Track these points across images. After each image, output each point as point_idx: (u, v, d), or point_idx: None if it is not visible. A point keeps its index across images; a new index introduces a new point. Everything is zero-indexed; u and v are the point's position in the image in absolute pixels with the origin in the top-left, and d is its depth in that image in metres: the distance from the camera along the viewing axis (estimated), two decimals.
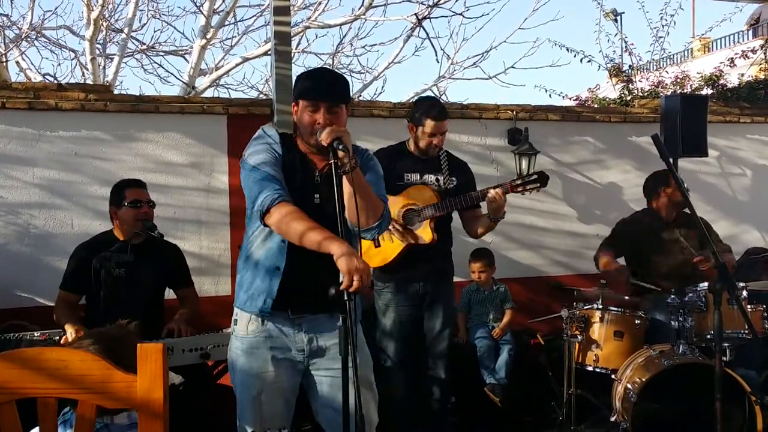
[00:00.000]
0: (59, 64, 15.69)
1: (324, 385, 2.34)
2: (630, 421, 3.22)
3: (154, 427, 1.42)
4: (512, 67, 8.82)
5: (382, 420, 2.49)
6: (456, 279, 3.72)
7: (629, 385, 3.35)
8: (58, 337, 3.13)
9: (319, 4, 8.26)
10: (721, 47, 17.75)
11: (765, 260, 4.81)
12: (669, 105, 4.92)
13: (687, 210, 4.06)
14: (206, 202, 4.43)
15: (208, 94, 8.18)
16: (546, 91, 7.03)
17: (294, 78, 3.09)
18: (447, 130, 3.50)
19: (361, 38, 10.54)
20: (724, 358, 3.19)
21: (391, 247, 3.38)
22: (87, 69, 7.95)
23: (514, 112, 5.01)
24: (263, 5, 8.27)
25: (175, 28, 21.06)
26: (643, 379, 3.26)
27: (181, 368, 3.15)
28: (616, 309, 3.72)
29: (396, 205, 3.34)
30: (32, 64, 8.96)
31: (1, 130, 4.11)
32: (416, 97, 3.67)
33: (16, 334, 3.18)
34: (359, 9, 8.02)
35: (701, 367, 3.20)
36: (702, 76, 6.29)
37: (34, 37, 8.39)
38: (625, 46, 6.87)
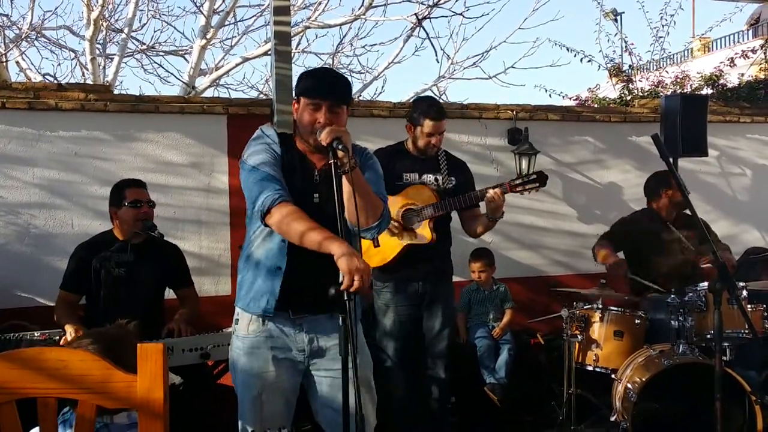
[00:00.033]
0: (59, 64, 15.71)
1: (324, 385, 2.34)
2: (630, 420, 3.22)
3: (154, 427, 1.42)
4: (512, 67, 8.83)
5: (381, 420, 2.49)
6: (456, 279, 3.72)
7: (629, 385, 3.35)
8: (58, 337, 3.13)
9: (319, 4, 8.27)
10: (721, 47, 17.74)
11: (765, 260, 4.82)
12: (669, 105, 4.92)
13: (687, 211, 4.09)
14: (206, 202, 4.44)
15: (208, 94, 8.19)
16: (546, 90, 7.05)
17: (294, 78, 3.11)
18: (445, 130, 3.50)
19: (361, 38, 10.56)
20: (724, 358, 3.19)
21: (390, 246, 3.38)
22: (87, 69, 7.95)
23: (514, 112, 5.01)
24: (263, 5, 8.28)
25: (175, 28, 21.09)
26: (643, 379, 3.26)
27: (181, 368, 3.15)
28: (616, 309, 3.73)
29: (395, 205, 3.34)
30: (32, 64, 8.98)
31: (1, 130, 4.11)
32: (415, 97, 3.67)
33: (16, 334, 3.19)
34: (359, 9, 8.03)
35: (701, 367, 3.20)
36: (702, 76, 6.29)
37: (34, 37, 8.39)
38: (625, 46, 6.88)
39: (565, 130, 5.19)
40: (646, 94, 6.14)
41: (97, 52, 7.88)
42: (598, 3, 6.83)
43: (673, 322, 3.46)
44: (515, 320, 4.26)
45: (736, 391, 3.13)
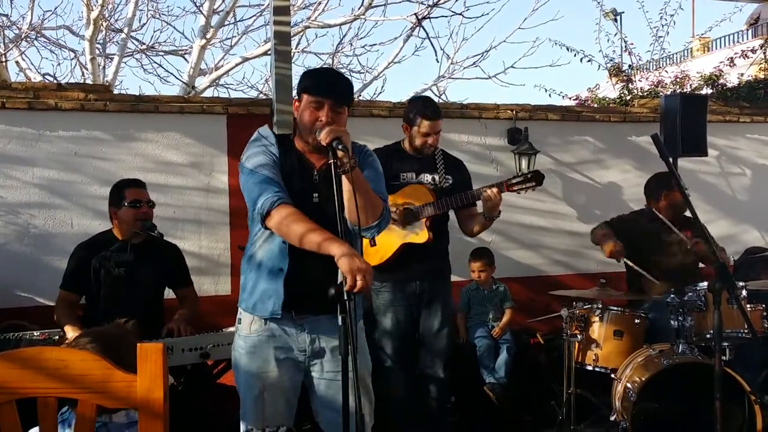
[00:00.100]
0: (59, 64, 15.72)
1: (324, 385, 2.34)
2: (630, 420, 3.22)
3: (154, 426, 1.42)
4: (512, 66, 8.82)
5: (381, 420, 2.49)
6: (456, 278, 3.72)
7: (629, 385, 3.35)
8: (57, 337, 3.13)
9: (319, 3, 8.27)
10: (720, 47, 17.75)
11: (764, 259, 4.82)
12: (669, 105, 4.92)
13: (686, 213, 4.09)
14: (206, 201, 4.44)
15: (208, 93, 8.19)
16: (546, 90, 7.04)
17: (294, 78, 3.11)
18: (441, 129, 3.50)
19: (361, 38, 10.53)
20: (724, 358, 3.19)
21: (387, 246, 3.38)
22: (87, 69, 7.95)
23: (514, 112, 5.01)
24: (263, 5, 8.28)
25: (174, 28, 21.05)
26: (643, 379, 3.26)
27: (181, 368, 3.15)
28: (615, 308, 3.73)
29: (392, 204, 3.34)
30: (32, 64, 8.97)
31: (0, 129, 4.11)
32: (410, 98, 3.67)
33: (15, 333, 3.19)
34: (359, 9, 8.03)
35: (701, 367, 3.20)
36: (702, 76, 6.30)
37: (33, 37, 8.39)
38: (625, 46, 6.88)
39: (565, 129, 5.19)
40: (645, 93, 6.14)
41: (97, 51, 7.88)
42: (598, 3, 6.84)
43: (672, 322, 3.46)
44: (515, 320, 4.27)
45: (735, 391, 3.14)
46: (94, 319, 3.18)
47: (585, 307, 3.74)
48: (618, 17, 8.90)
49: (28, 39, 8.34)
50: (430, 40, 8.05)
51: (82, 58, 8.32)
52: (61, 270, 3.49)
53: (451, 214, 3.57)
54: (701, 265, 4.20)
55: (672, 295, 3.50)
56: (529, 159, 4.84)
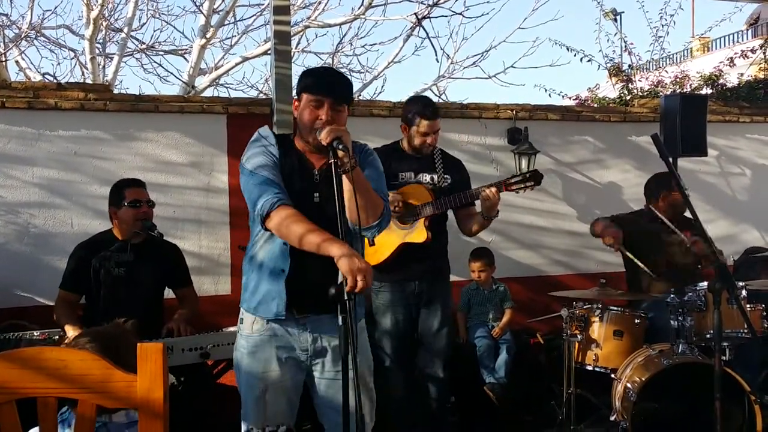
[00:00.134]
0: (59, 64, 15.71)
1: (325, 385, 2.34)
2: (630, 420, 3.22)
3: (155, 426, 1.42)
4: (512, 66, 8.82)
5: (381, 420, 2.49)
6: (456, 278, 3.72)
7: (629, 385, 3.35)
8: (57, 337, 3.13)
9: (319, 3, 8.27)
10: (720, 47, 17.75)
11: (764, 259, 4.82)
12: (668, 105, 4.92)
13: (685, 213, 4.10)
14: (206, 201, 4.44)
15: (208, 93, 8.19)
16: (546, 90, 7.04)
17: (294, 78, 3.10)
18: (440, 128, 3.50)
19: (361, 38, 10.55)
20: (724, 358, 3.19)
21: (386, 245, 3.38)
22: (86, 68, 7.95)
23: (514, 112, 5.01)
24: (263, 5, 8.27)
25: (174, 27, 21.01)
26: (643, 379, 3.26)
27: (181, 368, 3.15)
28: (615, 308, 3.73)
29: (392, 200, 3.34)
30: (32, 63, 8.98)
31: (0, 129, 4.11)
32: (408, 98, 3.66)
33: (15, 333, 3.19)
34: (359, 8, 8.02)
35: (701, 367, 3.20)
36: (701, 76, 6.30)
37: (33, 36, 8.39)
38: (625, 46, 6.88)
39: (565, 129, 5.19)
40: (645, 93, 6.14)
41: (97, 51, 7.88)
42: (598, 3, 6.84)
43: (672, 322, 3.46)
44: (515, 320, 4.27)
45: (735, 391, 3.13)
46: (94, 319, 3.17)
47: (585, 307, 3.74)
48: (618, 17, 8.90)
49: (28, 38, 8.34)
50: (430, 40, 8.06)
51: (82, 58, 8.32)
52: (60, 270, 3.49)
53: (450, 213, 3.57)
54: (700, 265, 4.19)
55: (672, 295, 3.50)
56: (529, 159, 4.84)
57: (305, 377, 2.38)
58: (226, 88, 9.12)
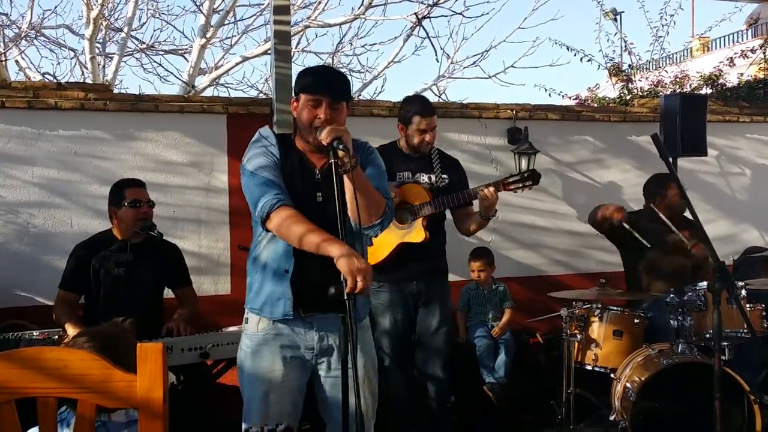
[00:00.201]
0: (59, 63, 15.73)
1: (330, 384, 2.33)
2: (629, 420, 3.22)
3: (154, 426, 1.42)
4: (512, 66, 8.81)
5: (381, 420, 2.49)
6: (456, 278, 3.72)
7: (628, 384, 3.35)
8: (57, 337, 3.13)
9: (319, 3, 8.26)
10: (720, 47, 17.74)
11: (764, 259, 4.82)
12: (668, 104, 4.92)
13: (684, 213, 4.10)
14: (206, 201, 4.44)
15: (208, 93, 8.19)
16: (546, 90, 7.02)
17: (293, 77, 3.10)
18: (437, 125, 3.50)
19: (361, 37, 10.53)
20: (723, 358, 3.19)
21: (384, 245, 3.37)
22: (86, 68, 7.95)
23: (514, 112, 5.01)
24: (263, 4, 8.27)
25: (174, 27, 21.00)
26: (642, 378, 3.26)
27: (180, 367, 3.15)
28: (615, 308, 3.73)
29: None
30: (32, 63, 8.98)
31: (0, 129, 4.11)
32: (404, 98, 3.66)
33: (15, 333, 3.19)
34: (359, 8, 8.02)
35: (700, 367, 3.20)
36: (701, 76, 6.30)
37: (33, 36, 8.38)
38: (625, 46, 6.88)
39: (565, 129, 5.19)
40: (645, 93, 6.14)
41: (97, 51, 7.88)
42: (598, 2, 6.83)
43: (672, 322, 3.46)
44: (514, 319, 4.27)
45: (735, 391, 3.14)
46: (94, 318, 3.17)
47: (585, 306, 3.74)
48: (618, 17, 8.90)
49: (28, 38, 8.34)
50: (430, 40, 8.06)
51: (81, 58, 8.32)
52: (60, 270, 3.49)
53: (448, 213, 3.57)
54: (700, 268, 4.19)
55: (671, 295, 3.50)
56: (529, 159, 4.84)
57: (310, 377, 2.38)
58: (226, 87, 9.13)
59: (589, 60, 6.50)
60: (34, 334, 3.17)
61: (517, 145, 4.90)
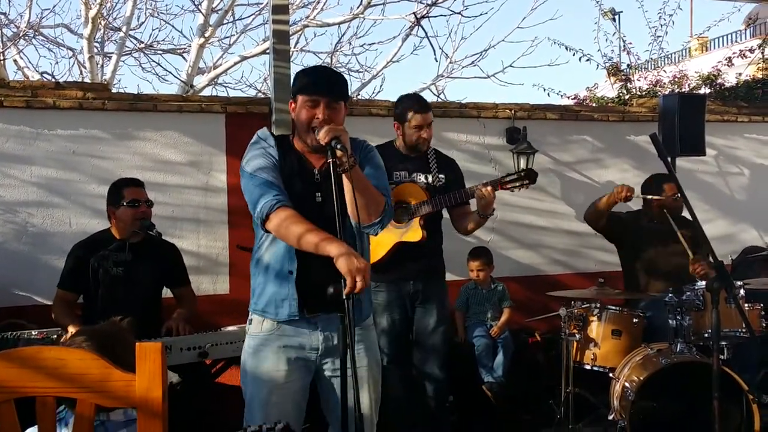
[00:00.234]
0: (57, 63, 15.72)
1: (337, 383, 2.33)
2: (628, 419, 3.23)
3: (154, 426, 1.41)
4: (510, 66, 8.82)
5: (380, 419, 2.49)
6: (454, 277, 3.73)
7: (627, 384, 3.35)
8: (55, 336, 3.13)
9: (318, 2, 8.26)
10: (718, 47, 17.76)
11: (762, 259, 4.82)
12: (667, 104, 4.92)
13: (682, 213, 4.10)
14: (204, 200, 4.43)
15: (207, 92, 8.19)
16: (544, 90, 7.01)
17: (292, 76, 3.10)
18: (432, 122, 3.50)
19: (360, 37, 10.50)
20: (722, 357, 3.20)
21: (381, 244, 3.37)
22: (85, 67, 7.94)
23: (513, 111, 5.02)
24: (262, 4, 8.27)
25: (173, 26, 21.02)
26: (641, 378, 3.26)
27: (179, 367, 3.15)
28: (614, 307, 3.73)
29: None
30: (30, 62, 8.93)
31: None
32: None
33: (13, 332, 3.19)
34: (358, 8, 8.02)
35: (699, 366, 3.21)
36: (700, 76, 6.29)
37: (31, 35, 8.36)
38: (624, 45, 6.87)
39: (564, 129, 5.19)
40: (644, 93, 6.14)
41: (95, 50, 7.87)
42: (597, 2, 6.82)
43: (670, 321, 3.46)
44: (513, 319, 4.27)
45: (733, 390, 3.14)
46: (92, 318, 3.17)
47: (583, 306, 3.74)
48: (617, 17, 8.89)
49: (26, 37, 8.32)
50: (428, 39, 8.05)
51: (80, 57, 8.31)
52: (59, 269, 3.49)
53: (445, 213, 3.57)
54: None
55: (670, 294, 3.51)
56: (527, 158, 4.84)
57: (314, 377, 2.37)
58: (225, 87, 9.12)
59: (587, 60, 6.51)
60: (33, 333, 3.17)
61: (515, 145, 4.90)
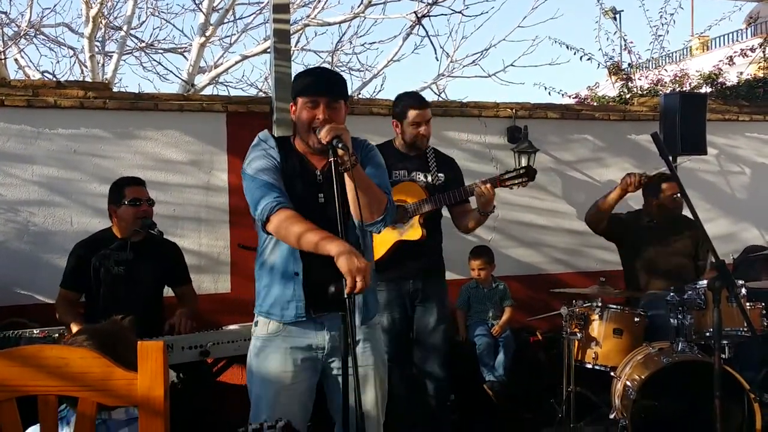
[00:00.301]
0: (58, 62, 15.74)
1: (341, 383, 2.32)
2: (629, 418, 3.23)
3: (155, 424, 1.42)
4: (512, 65, 8.81)
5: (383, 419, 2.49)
6: (456, 276, 3.72)
7: (628, 383, 3.35)
8: (57, 335, 3.13)
9: (319, 1, 8.26)
10: (719, 45, 17.75)
11: (764, 258, 4.82)
12: (668, 103, 4.92)
13: (683, 212, 4.10)
14: (206, 199, 4.43)
15: (208, 91, 8.18)
16: (545, 89, 7.03)
17: (293, 75, 3.10)
18: (431, 118, 3.49)
19: (361, 36, 10.54)
20: (723, 356, 3.20)
21: (381, 243, 3.37)
22: (86, 66, 7.94)
23: (514, 110, 5.01)
24: (263, 3, 8.27)
25: (174, 25, 21.07)
26: (643, 377, 3.26)
27: (180, 365, 3.15)
28: (615, 306, 3.73)
29: None
30: (31, 61, 8.96)
31: (0, 127, 4.11)
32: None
33: (15, 331, 3.20)
34: (358, 7, 8.02)
35: (700, 365, 3.20)
36: (701, 75, 6.30)
37: (32, 34, 8.38)
38: (625, 44, 6.88)
39: (565, 128, 5.19)
40: (645, 92, 6.14)
41: (96, 49, 7.88)
42: (598, 1, 6.83)
43: (672, 320, 3.46)
44: (515, 318, 4.27)
45: (735, 389, 3.14)
46: (94, 317, 3.17)
47: (585, 305, 3.74)
48: (617, 16, 8.89)
49: (27, 36, 8.33)
50: (429, 39, 8.09)
51: (81, 56, 8.32)
52: (60, 268, 3.49)
53: (445, 212, 3.57)
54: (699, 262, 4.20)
55: (671, 293, 3.50)
56: (528, 157, 4.84)
57: (320, 377, 2.37)
58: (226, 86, 9.13)
59: (588, 59, 6.51)
60: (35, 332, 3.18)
61: (516, 144, 4.90)
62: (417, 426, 3.53)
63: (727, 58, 6.41)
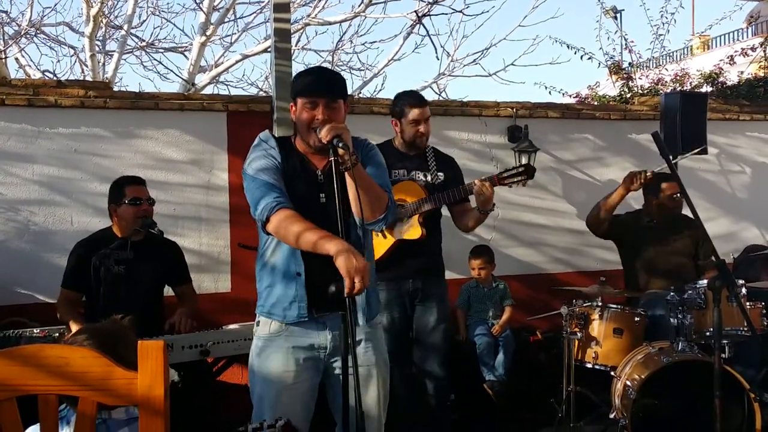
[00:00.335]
0: (58, 61, 15.74)
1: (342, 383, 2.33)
2: (629, 418, 3.23)
3: (155, 423, 1.42)
4: (512, 64, 8.81)
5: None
6: (456, 276, 3.72)
7: (628, 382, 3.35)
8: (57, 334, 3.14)
9: (319, 1, 8.26)
10: (720, 45, 17.74)
11: (764, 257, 4.82)
12: (669, 102, 4.92)
13: (682, 211, 4.10)
14: (206, 199, 4.43)
15: (208, 91, 8.19)
16: (546, 88, 7.05)
17: (294, 75, 3.10)
18: (430, 116, 3.49)
19: (361, 35, 10.53)
20: (724, 356, 3.20)
21: (380, 242, 3.37)
22: (86, 66, 7.94)
23: (514, 110, 5.01)
24: (263, 2, 8.27)
25: (174, 24, 21.02)
26: (643, 376, 3.26)
27: (181, 365, 3.15)
28: (615, 306, 3.73)
29: None
30: (31, 60, 8.98)
31: (0, 126, 4.11)
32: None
33: (15, 331, 3.20)
34: (359, 6, 8.02)
35: (700, 364, 3.20)
36: (702, 74, 6.29)
37: (33, 33, 8.37)
38: (625, 44, 6.87)
39: (565, 127, 5.19)
40: (645, 91, 6.14)
41: (97, 48, 7.88)
42: (599, 0, 6.83)
43: (672, 320, 3.46)
44: (515, 317, 4.27)
45: (735, 389, 3.14)
46: (95, 316, 3.18)
47: (585, 304, 3.74)
48: (618, 15, 8.90)
49: (28, 36, 8.33)
50: (430, 38, 8.08)
51: (81, 55, 8.32)
52: (60, 267, 3.49)
53: (445, 211, 3.57)
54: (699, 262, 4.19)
55: (672, 293, 3.50)
56: (529, 156, 4.83)
57: (322, 377, 2.37)
58: (226, 85, 9.14)
59: (589, 58, 6.51)
60: (35, 331, 3.18)
61: (517, 143, 4.90)
62: (417, 425, 3.53)
63: (728, 58, 6.41)
